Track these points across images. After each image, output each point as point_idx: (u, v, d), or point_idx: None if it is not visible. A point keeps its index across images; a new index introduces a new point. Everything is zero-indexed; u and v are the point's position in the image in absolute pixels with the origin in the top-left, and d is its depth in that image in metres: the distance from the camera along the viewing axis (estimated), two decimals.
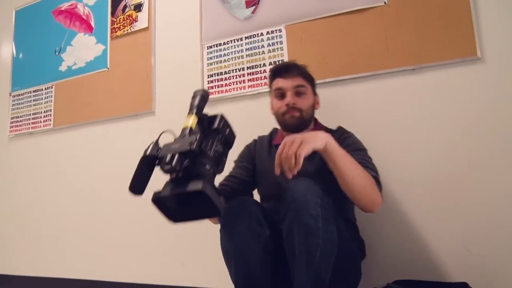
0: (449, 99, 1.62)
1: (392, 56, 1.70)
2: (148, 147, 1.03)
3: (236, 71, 2.03)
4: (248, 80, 1.99)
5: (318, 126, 1.56)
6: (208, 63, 2.11)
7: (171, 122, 2.14)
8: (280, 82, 1.49)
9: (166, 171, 0.97)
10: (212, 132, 1.07)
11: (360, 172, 1.23)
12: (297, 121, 1.46)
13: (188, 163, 0.99)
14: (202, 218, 1.09)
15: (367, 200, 1.25)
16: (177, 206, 1.00)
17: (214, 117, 1.12)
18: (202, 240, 1.98)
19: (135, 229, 2.25)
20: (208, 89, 2.08)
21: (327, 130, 1.52)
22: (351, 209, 1.49)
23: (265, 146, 1.57)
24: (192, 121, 1.05)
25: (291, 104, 1.45)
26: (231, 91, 2.03)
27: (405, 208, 1.64)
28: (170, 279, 2.11)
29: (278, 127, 1.58)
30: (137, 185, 1.02)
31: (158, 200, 0.98)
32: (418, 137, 1.65)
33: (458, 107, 1.60)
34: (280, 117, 1.50)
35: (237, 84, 2.01)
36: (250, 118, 1.96)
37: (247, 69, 2.00)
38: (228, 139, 1.10)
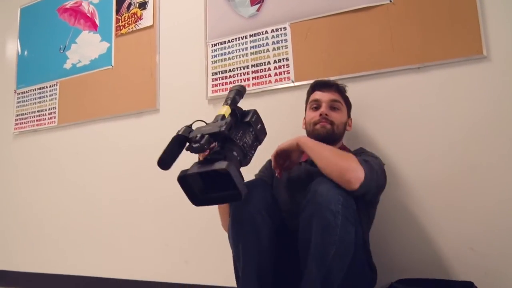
0: (454, 98, 1.61)
1: (397, 54, 1.70)
2: (181, 128, 1.07)
3: (240, 69, 2.03)
4: (253, 78, 1.99)
5: (343, 147, 1.58)
6: (212, 61, 2.11)
7: (175, 120, 2.19)
8: (317, 95, 1.54)
9: (194, 149, 1.00)
10: (244, 124, 1.14)
11: (335, 154, 1.28)
12: (328, 132, 1.48)
13: (217, 147, 1.06)
14: (223, 202, 1.14)
15: (335, 174, 1.22)
16: (199, 188, 1.03)
17: (248, 112, 1.18)
18: (205, 238, 1.98)
19: (138, 227, 2.25)
20: (212, 87, 2.08)
21: (349, 151, 1.54)
22: (367, 230, 1.46)
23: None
24: (225, 110, 1.10)
25: (324, 114, 1.47)
26: None
27: (408, 207, 1.64)
28: (173, 276, 2.11)
29: None
30: (166, 161, 1.04)
31: (184, 178, 1.01)
32: (422, 137, 1.64)
33: (463, 107, 1.59)
34: (311, 127, 1.52)
35: (241, 82, 2.01)
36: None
37: (252, 67, 1.99)
38: (259, 135, 1.17)
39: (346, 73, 1.78)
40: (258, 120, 1.18)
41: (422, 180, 1.63)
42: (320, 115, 1.48)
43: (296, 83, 1.89)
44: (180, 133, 1.06)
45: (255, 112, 1.18)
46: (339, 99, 1.52)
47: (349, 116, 1.59)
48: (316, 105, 1.52)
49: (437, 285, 1.36)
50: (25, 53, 2.86)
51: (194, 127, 1.11)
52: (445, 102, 1.62)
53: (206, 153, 1.07)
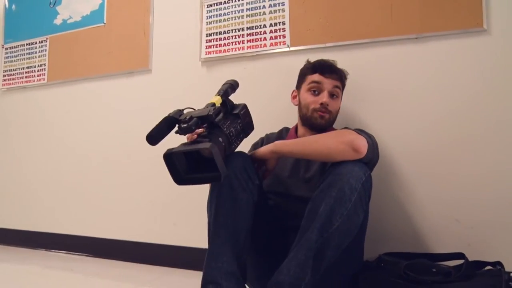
0: (450, 71, 1.59)
1: (395, 23, 1.67)
2: (173, 111, 1.15)
3: (235, 31, 1.98)
4: (248, 41, 1.95)
5: (330, 129, 1.55)
6: (207, 22, 2.06)
7: (168, 80, 2.17)
8: (319, 77, 1.47)
9: (182, 129, 1.09)
10: (232, 116, 1.23)
11: (327, 136, 1.27)
12: (325, 123, 1.47)
13: (205, 132, 1.15)
14: (204, 182, 1.15)
15: (339, 150, 1.20)
16: (183, 168, 1.10)
17: (238, 105, 1.28)
18: (193, 201, 1.99)
19: (127, 188, 2.25)
20: (206, 48, 2.05)
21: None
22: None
23: None
24: (216, 99, 1.19)
25: (326, 104, 1.44)
26: (229, 51, 1.99)
27: (396, 179, 1.65)
28: (161, 238, 2.13)
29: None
30: (154, 137, 1.11)
31: (169, 156, 1.08)
32: (416, 107, 1.64)
33: (459, 79, 1.58)
34: (309, 112, 1.48)
35: (236, 44, 1.97)
36: (249, 81, 1.93)
37: (247, 30, 1.95)
38: (246, 128, 1.27)
39: (343, 40, 1.75)
40: (247, 114, 1.27)
41: (412, 152, 1.63)
42: (321, 104, 1.44)
43: (292, 48, 1.85)
44: (171, 114, 1.13)
45: (244, 105, 1.27)
46: (340, 85, 1.50)
47: (341, 97, 1.56)
48: (316, 89, 1.47)
49: (426, 257, 1.37)
50: (13, 7, 2.77)
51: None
52: (441, 74, 1.61)
53: (195, 137, 1.15)
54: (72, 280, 1.85)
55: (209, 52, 2.03)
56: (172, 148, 1.08)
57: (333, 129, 1.55)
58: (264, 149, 1.31)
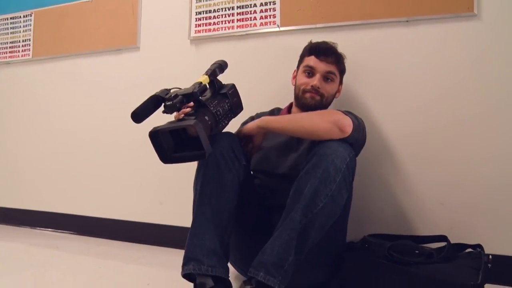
0: (440, 55, 1.59)
1: (386, 6, 1.66)
2: (159, 90, 1.15)
3: (225, 10, 1.95)
4: (238, 20, 1.92)
5: None
6: (197, 0, 2.02)
7: (156, 58, 2.14)
8: (313, 61, 1.47)
9: (167, 107, 1.08)
10: (220, 95, 1.23)
11: (314, 114, 1.28)
12: (316, 104, 1.46)
13: (192, 111, 1.14)
14: (190, 160, 1.14)
15: (324, 128, 1.21)
16: (169, 147, 1.10)
17: (226, 85, 1.26)
18: (180, 180, 1.98)
19: (115, 166, 2.24)
20: (195, 27, 2.01)
21: None
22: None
23: None
24: (204, 78, 1.17)
25: (316, 87, 1.45)
26: (219, 30, 1.96)
27: (383, 161, 1.66)
28: (148, 216, 2.13)
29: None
30: (139, 115, 1.10)
31: (155, 134, 1.07)
32: (405, 91, 1.64)
33: (448, 64, 1.58)
34: (300, 92, 1.49)
35: (226, 23, 1.94)
36: (239, 60, 1.91)
37: (237, 9, 1.92)
38: (234, 108, 1.26)
39: (333, 21, 1.74)
40: (235, 93, 1.26)
41: (399, 135, 1.64)
42: (312, 86, 1.45)
43: (282, 28, 1.83)
44: (157, 93, 1.13)
45: (233, 85, 1.26)
46: (335, 70, 1.47)
47: (341, 83, 1.55)
48: (310, 72, 1.47)
49: (410, 239, 1.40)
50: None
51: None
52: (431, 58, 1.61)
53: (181, 116, 1.14)
54: (57, 257, 1.84)
55: (199, 31, 2.00)
56: (158, 126, 1.07)
57: None
58: (250, 125, 1.30)
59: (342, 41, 1.69)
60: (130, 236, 2.16)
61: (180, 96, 1.08)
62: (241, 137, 1.30)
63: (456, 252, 1.34)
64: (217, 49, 1.98)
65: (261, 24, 1.87)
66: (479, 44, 1.54)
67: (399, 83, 1.65)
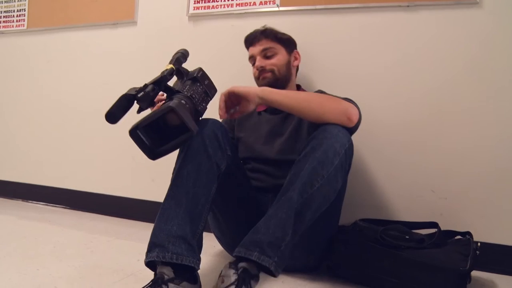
0: (440, 42, 1.58)
1: None
2: (128, 89, 1.08)
3: None
4: None
5: (300, 90, 1.58)
6: None
7: (153, 34, 2.10)
8: (250, 51, 1.54)
9: (140, 100, 1.03)
10: (190, 80, 1.16)
11: (319, 97, 1.26)
12: (269, 81, 1.47)
13: (165, 100, 1.10)
14: (177, 147, 1.11)
15: (334, 114, 1.20)
16: (152, 142, 1.06)
17: (193, 71, 1.20)
18: (172, 158, 1.97)
19: (108, 142, 2.23)
20: (194, 3, 1.98)
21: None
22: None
23: (249, 113, 1.48)
24: (168, 67, 1.12)
25: (259, 68, 1.48)
26: (218, 8, 1.93)
27: (375, 148, 1.67)
28: (140, 193, 2.14)
29: None
30: (113, 115, 1.06)
31: (134, 131, 1.03)
32: (401, 78, 1.63)
33: (447, 51, 1.57)
34: (256, 81, 1.52)
35: (225, 1, 1.91)
36: (236, 39, 1.89)
37: None
38: (208, 90, 1.19)
39: (333, 3, 1.71)
40: (205, 76, 1.20)
41: (393, 121, 1.64)
42: (257, 69, 1.49)
43: (282, 8, 1.81)
44: (127, 92, 1.07)
45: (200, 69, 1.20)
46: (270, 44, 1.49)
47: (291, 51, 1.55)
48: (253, 61, 1.52)
49: (402, 225, 1.41)
50: None
51: None
52: (430, 44, 1.59)
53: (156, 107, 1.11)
54: (48, 231, 1.84)
55: (198, 8, 1.97)
56: (136, 123, 1.03)
57: (299, 88, 1.57)
58: (249, 89, 1.21)
59: (342, 23, 1.68)
60: (122, 212, 2.17)
61: (150, 85, 1.04)
62: (231, 94, 1.21)
63: (446, 239, 1.36)
64: (215, 27, 1.95)
65: (261, 3, 1.85)
66: (480, 33, 1.53)
67: (397, 69, 1.64)
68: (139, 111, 1.08)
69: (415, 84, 1.61)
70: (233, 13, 1.91)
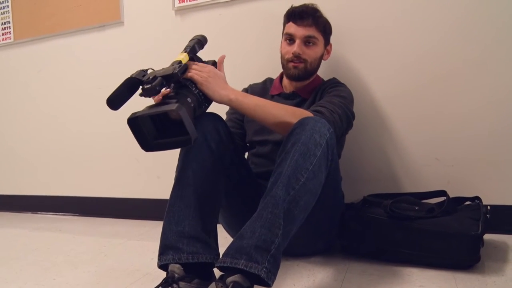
0: (424, 8, 1.56)
1: None
2: (136, 72, 1.05)
3: None
4: None
5: (317, 78, 1.53)
6: None
7: (141, 32, 2.09)
8: (292, 28, 1.43)
9: (145, 91, 0.99)
10: None
11: (284, 111, 1.17)
12: (300, 72, 1.43)
13: (172, 92, 1.06)
14: (174, 147, 1.07)
15: (282, 129, 1.15)
16: (150, 133, 1.02)
17: (207, 62, 1.17)
18: (175, 153, 1.97)
19: (108, 144, 2.22)
20: None
21: (322, 81, 1.51)
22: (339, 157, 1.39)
23: (258, 95, 1.46)
24: (183, 57, 1.08)
25: (296, 54, 1.41)
26: None
27: (376, 121, 1.66)
28: (146, 192, 2.14)
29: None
30: (115, 101, 1.03)
31: (134, 120, 0.99)
32: (394, 46, 1.61)
33: (433, 16, 1.55)
34: (284, 62, 1.47)
35: None
36: (227, 29, 1.88)
37: None
38: None
39: None
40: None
41: (391, 93, 1.63)
42: (293, 53, 1.42)
43: None
44: (133, 75, 1.04)
45: (214, 62, 1.17)
46: (315, 33, 1.42)
47: (327, 44, 1.51)
48: (290, 39, 1.44)
49: (411, 196, 1.41)
50: None
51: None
52: (415, 11, 1.57)
53: (160, 98, 1.07)
54: (60, 239, 1.85)
55: (183, 0, 1.95)
56: (137, 112, 0.99)
57: (317, 78, 1.53)
58: (219, 94, 1.13)
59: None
60: (131, 213, 2.18)
61: (159, 78, 1.00)
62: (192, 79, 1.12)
63: (456, 206, 1.36)
64: (203, 18, 1.93)
65: None
66: None
67: (388, 39, 1.62)
68: (141, 95, 1.04)
69: (405, 54, 1.60)
70: (219, 2, 1.88)
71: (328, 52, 1.53)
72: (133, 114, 0.99)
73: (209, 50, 1.23)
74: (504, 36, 1.47)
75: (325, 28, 1.46)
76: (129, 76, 1.04)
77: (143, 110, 1.00)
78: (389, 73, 1.63)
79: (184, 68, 1.06)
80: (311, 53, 1.43)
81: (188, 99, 1.05)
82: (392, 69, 1.62)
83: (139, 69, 1.07)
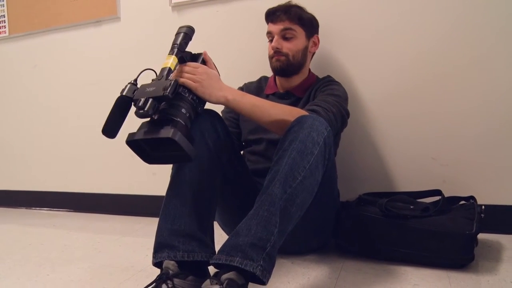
0: (422, 7, 1.56)
1: None
2: (126, 86, 1.04)
3: None
4: None
5: (311, 76, 1.53)
6: None
7: (138, 28, 2.08)
8: (270, 27, 1.46)
9: (138, 115, 0.99)
10: None
11: (279, 110, 1.17)
12: (282, 65, 1.43)
13: (165, 105, 1.03)
14: (175, 161, 1.09)
15: (279, 129, 1.15)
16: (150, 148, 1.03)
17: (197, 56, 1.14)
18: None
19: (103, 140, 2.20)
20: None
21: (317, 79, 1.52)
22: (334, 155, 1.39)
23: (253, 93, 1.44)
24: (171, 62, 1.06)
25: (274, 48, 1.43)
26: None
27: (373, 120, 1.66)
28: (142, 189, 2.14)
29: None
30: (111, 128, 1.04)
31: (132, 142, 1.00)
32: (391, 46, 1.61)
33: (430, 16, 1.55)
34: (269, 60, 1.48)
35: None
36: (223, 25, 1.87)
37: None
38: None
39: None
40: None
41: (388, 92, 1.63)
42: (272, 48, 1.44)
43: None
44: (124, 93, 1.03)
45: (203, 59, 1.15)
46: (291, 26, 1.42)
47: (311, 35, 1.49)
48: (271, 38, 1.46)
49: (406, 195, 1.42)
50: None
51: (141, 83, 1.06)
52: (416, 10, 1.57)
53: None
54: (55, 235, 1.84)
55: None
56: (134, 133, 1.00)
57: (312, 74, 1.53)
58: (216, 96, 1.12)
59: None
60: (126, 209, 2.17)
61: (150, 101, 0.97)
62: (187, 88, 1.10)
63: (451, 205, 1.37)
64: (200, 14, 1.92)
65: None
66: None
67: (385, 39, 1.62)
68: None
69: (402, 53, 1.60)
70: None
71: (315, 44, 1.52)
72: (130, 135, 1.00)
73: (205, 46, 1.23)
74: (498, 38, 1.48)
75: (302, 19, 1.44)
76: (120, 92, 1.03)
77: (139, 132, 1.00)
78: (385, 72, 1.63)
79: (175, 86, 1.01)
80: (291, 46, 1.43)
81: (183, 110, 1.04)
82: (388, 69, 1.62)
83: (128, 83, 1.05)
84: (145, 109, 0.97)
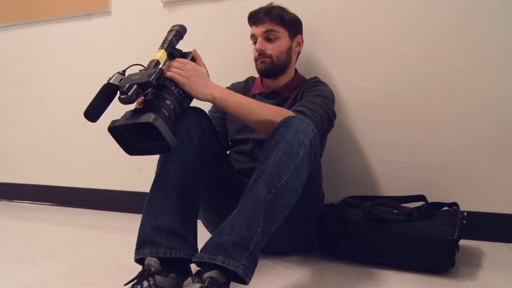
0: (415, 10, 1.57)
1: None
2: (113, 75, 1.05)
3: None
4: None
5: (298, 76, 1.54)
6: None
7: (129, 23, 2.06)
8: (253, 29, 1.48)
9: (121, 101, 0.99)
10: None
11: (266, 110, 1.18)
12: (267, 67, 1.44)
13: (151, 94, 1.05)
14: (156, 152, 1.08)
15: (265, 129, 1.16)
16: (132, 137, 1.03)
17: (186, 54, 1.15)
18: None
19: (89, 135, 2.19)
20: None
21: (304, 80, 1.53)
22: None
23: (240, 93, 1.40)
24: (160, 55, 1.08)
25: (258, 51, 1.44)
26: None
27: (359, 126, 1.66)
28: (127, 184, 2.12)
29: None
30: (93, 112, 1.03)
31: (113, 128, 1.00)
32: (377, 52, 1.62)
33: (422, 20, 1.56)
34: (255, 63, 1.48)
35: None
36: (214, 24, 1.87)
37: None
38: None
39: None
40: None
41: (373, 98, 1.64)
42: (256, 51, 1.45)
43: None
44: (110, 81, 1.04)
45: (192, 57, 1.16)
46: (273, 27, 1.43)
47: (295, 36, 1.50)
48: (254, 40, 1.47)
49: (390, 199, 1.43)
50: None
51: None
52: (404, 14, 1.58)
53: (141, 100, 1.08)
54: (36, 229, 1.82)
55: None
56: (116, 120, 1.00)
57: (299, 75, 1.54)
58: (203, 93, 1.12)
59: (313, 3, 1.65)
60: (110, 204, 2.15)
61: (134, 87, 0.98)
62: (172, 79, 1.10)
63: (434, 210, 1.38)
64: (191, 11, 1.91)
65: None
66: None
67: (371, 45, 1.62)
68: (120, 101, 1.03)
69: (391, 55, 1.60)
70: None
71: (299, 44, 1.53)
72: (112, 122, 1.00)
73: (196, 44, 1.22)
74: (488, 46, 1.49)
75: (283, 20, 1.45)
76: (106, 82, 1.04)
77: (122, 118, 1.00)
78: (372, 76, 1.64)
79: (159, 74, 1.03)
80: (274, 47, 1.44)
81: (167, 102, 1.04)
82: (375, 73, 1.63)
83: (116, 72, 1.06)
84: (129, 94, 0.97)
